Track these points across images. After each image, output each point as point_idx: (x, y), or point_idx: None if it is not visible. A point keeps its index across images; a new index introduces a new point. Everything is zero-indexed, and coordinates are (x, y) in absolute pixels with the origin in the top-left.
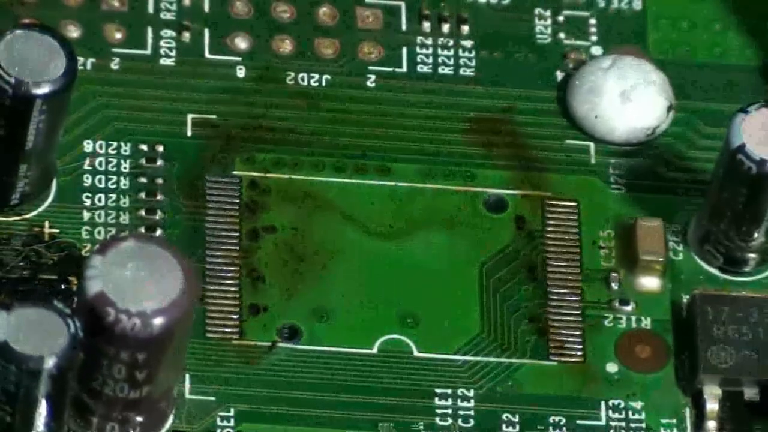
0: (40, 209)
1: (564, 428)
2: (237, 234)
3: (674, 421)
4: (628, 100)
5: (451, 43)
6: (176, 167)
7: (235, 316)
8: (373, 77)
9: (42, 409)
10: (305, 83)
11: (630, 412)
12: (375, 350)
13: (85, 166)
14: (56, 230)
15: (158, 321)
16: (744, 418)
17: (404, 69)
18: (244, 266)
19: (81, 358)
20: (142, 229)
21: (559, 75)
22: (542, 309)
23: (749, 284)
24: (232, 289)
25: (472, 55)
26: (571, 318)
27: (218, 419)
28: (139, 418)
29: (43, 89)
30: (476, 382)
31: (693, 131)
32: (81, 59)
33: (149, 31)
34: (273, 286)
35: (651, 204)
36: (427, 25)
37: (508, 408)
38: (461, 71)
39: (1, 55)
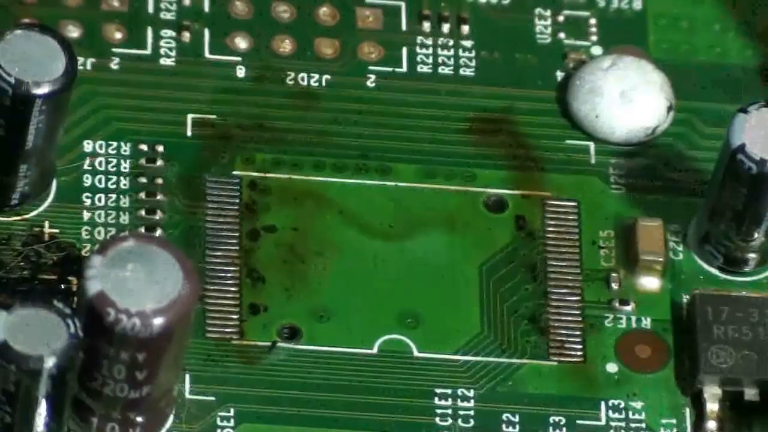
0: (40, 209)
1: (564, 428)
2: (237, 234)
3: (674, 421)
4: (628, 100)
5: (451, 43)
6: (176, 167)
7: (235, 316)
8: (373, 77)
9: (42, 409)
10: (305, 83)
11: (630, 412)
12: (375, 350)
13: (85, 166)
14: (56, 230)
15: (158, 321)
16: (744, 418)
17: (404, 69)
18: (244, 266)
19: (81, 358)
20: (142, 229)
21: (559, 75)
22: (542, 309)
23: (749, 284)
24: (232, 289)
25: (472, 55)
26: (571, 318)
27: (218, 419)
28: (139, 418)
29: (43, 89)
30: (476, 382)
31: (693, 131)
32: (81, 59)
33: (149, 31)
34: (273, 286)
35: (651, 204)
36: (427, 25)
37: (508, 408)
38: (461, 71)
39: (1, 55)
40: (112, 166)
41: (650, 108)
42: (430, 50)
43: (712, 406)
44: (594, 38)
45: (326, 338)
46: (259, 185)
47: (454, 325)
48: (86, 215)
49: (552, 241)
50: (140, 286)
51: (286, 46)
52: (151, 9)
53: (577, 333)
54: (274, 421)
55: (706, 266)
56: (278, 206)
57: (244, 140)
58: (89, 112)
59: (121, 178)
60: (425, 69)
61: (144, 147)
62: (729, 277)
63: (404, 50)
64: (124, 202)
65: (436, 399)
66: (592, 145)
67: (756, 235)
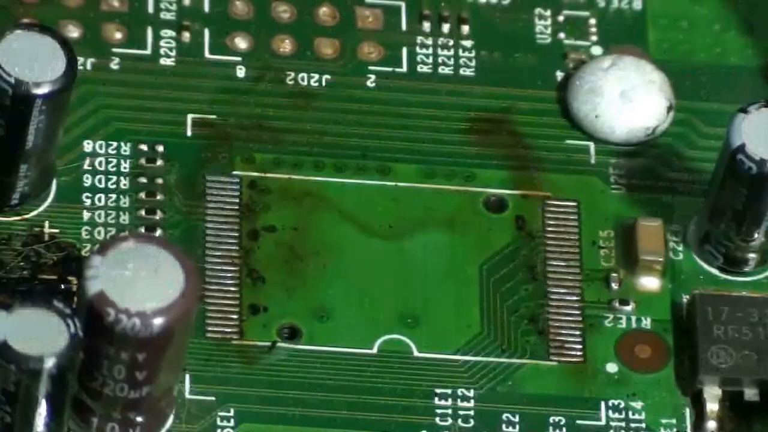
0: (40, 209)
1: (564, 428)
2: (237, 234)
3: (674, 421)
4: (628, 100)
5: (451, 43)
6: (176, 167)
7: (235, 316)
8: (373, 77)
9: (42, 409)
10: (305, 83)
11: (630, 412)
12: (375, 350)
13: (85, 166)
14: (56, 230)
15: (158, 321)
16: (744, 418)
17: (404, 69)
18: (244, 266)
19: (81, 358)
20: (142, 229)
21: (559, 75)
22: (542, 309)
23: (749, 284)
24: (232, 289)
25: (472, 55)
26: (571, 318)
27: (218, 419)
28: (139, 418)
29: (43, 89)
30: (476, 382)
31: (693, 131)
32: (81, 59)
33: (149, 31)
34: (273, 286)
35: (651, 204)
36: (427, 25)
37: (508, 408)
38: (461, 71)
39: (1, 55)
40: (112, 166)
41: (650, 108)
42: (430, 50)
43: (712, 406)
44: (594, 38)
45: (326, 338)
46: (259, 185)
47: (454, 325)
48: (86, 215)
49: (552, 241)
50: (140, 286)
51: (286, 46)
52: (151, 9)
53: (577, 333)
54: (274, 421)
55: (706, 266)
56: (278, 206)
57: (244, 140)
58: (89, 112)
59: (121, 178)
60: (425, 69)
61: (144, 147)
62: (729, 277)
63: (404, 50)
64: (124, 202)
65: (436, 399)
66: (592, 145)
67: (756, 235)
